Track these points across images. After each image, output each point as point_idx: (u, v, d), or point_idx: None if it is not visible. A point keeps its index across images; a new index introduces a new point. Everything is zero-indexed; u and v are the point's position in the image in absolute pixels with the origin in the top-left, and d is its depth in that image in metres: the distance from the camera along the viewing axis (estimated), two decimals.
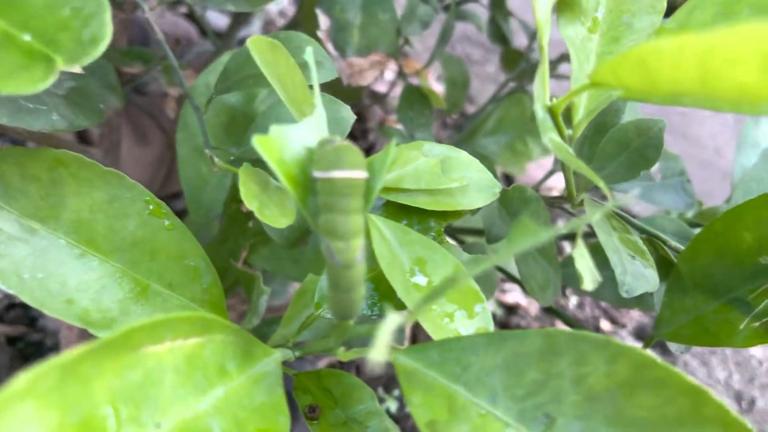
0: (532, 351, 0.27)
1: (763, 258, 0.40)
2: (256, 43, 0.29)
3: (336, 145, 0.25)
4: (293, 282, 0.80)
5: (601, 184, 0.26)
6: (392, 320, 0.19)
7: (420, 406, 0.26)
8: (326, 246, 0.26)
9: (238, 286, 0.61)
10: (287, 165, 0.25)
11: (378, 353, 0.17)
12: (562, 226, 0.21)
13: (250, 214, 0.53)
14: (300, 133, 0.25)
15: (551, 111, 0.31)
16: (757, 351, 1.08)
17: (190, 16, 1.09)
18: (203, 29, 1.00)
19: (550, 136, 0.28)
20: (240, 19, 0.93)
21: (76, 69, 0.26)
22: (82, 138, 0.71)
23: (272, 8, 1.34)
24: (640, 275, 0.34)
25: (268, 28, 1.30)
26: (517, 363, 0.27)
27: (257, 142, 0.24)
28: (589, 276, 0.25)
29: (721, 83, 0.17)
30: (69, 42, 0.24)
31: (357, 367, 0.76)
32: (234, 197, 0.52)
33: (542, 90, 0.29)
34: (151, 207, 0.35)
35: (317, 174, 0.25)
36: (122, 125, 0.74)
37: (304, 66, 0.37)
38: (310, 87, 0.34)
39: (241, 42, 0.96)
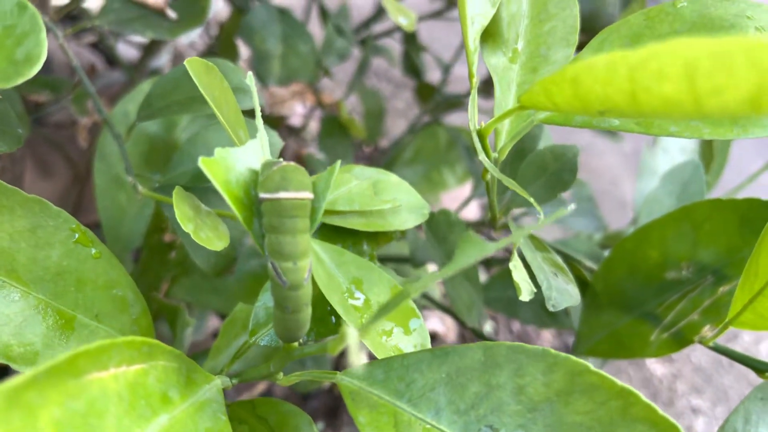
0: (474, 365, 0.27)
1: (668, 273, 0.44)
2: (193, 64, 0.29)
3: (282, 166, 0.25)
4: (211, 318, 0.78)
5: (531, 200, 0.28)
6: (352, 332, 0.19)
7: (367, 425, 0.27)
8: (273, 267, 0.26)
9: (157, 320, 0.59)
10: (233, 186, 0.25)
11: (356, 357, 0.17)
12: (503, 239, 0.23)
13: (172, 245, 0.52)
14: (244, 155, 0.25)
15: (479, 134, 0.32)
16: (657, 369, 1.14)
17: (95, 47, 1.06)
18: (112, 59, 0.98)
19: (482, 156, 0.29)
20: (150, 51, 0.92)
21: None
22: None
23: (182, 41, 1.32)
24: (564, 290, 0.36)
25: (177, 60, 1.28)
26: (460, 377, 0.27)
27: (203, 163, 0.23)
28: (525, 287, 0.26)
29: (650, 97, 0.19)
30: (1, 61, 0.23)
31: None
32: (156, 227, 0.51)
33: (473, 114, 0.31)
34: (76, 235, 0.33)
35: (264, 195, 0.25)
36: (26, 157, 0.71)
37: (233, 90, 0.37)
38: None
39: (152, 73, 0.94)
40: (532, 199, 0.28)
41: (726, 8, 0.35)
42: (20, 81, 0.24)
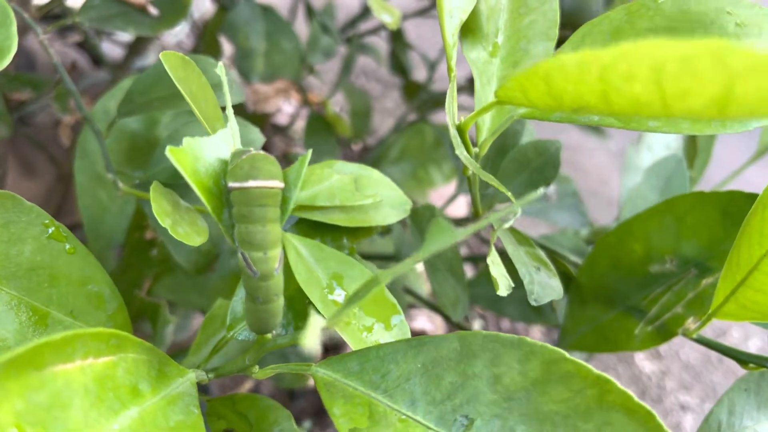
0: (449, 355, 0.27)
1: (652, 267, 0.43)
2: (168, 57, 0.28)
3: (251, 155, 0.25)
4: (196, 317, 0.77)
5: (509, 195, 0.28)
6: (317, 320, 0.19)
7: (341, 416, 0.26)
8: (243, 257, 0.25)
9: (139, 319, 0.59)
10: (201, 176, 0.24)
11: (313, 342, 0.17)
12: (474, 224, 0.22)
13: (153, 243, 0.51)
14: (213, 145, 0.25)
15: (459, 129, 0.32)
16: (646, 367, 1.14)
17: (81, 46, 1.06)
18: (97, 58, 0.97)
19: (460, 151, 0.29)
20: (136, 50, 0.91)
21: None
22: None
23: (169, 40, 1.32)
24: (546, 285, 0.36)
25: None
26: (435, 367, 0.27)
27: (170, 152, 0.23)
28: (503, 282, 0.26)
29: (621, 98, 0.18)
30: None
31: None
32: (137, 225, 0.50)
33: (452, 109, 0.30)
34: (50, 230, 0.33)
35: (232, 184, 0.25)
36: (8, 157, 0.70)
37: (213, 86, 0.37)
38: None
39: (138, 72, 0.94)
40: (509, 193, 0.28)
41: (706, 3, 0.35)
42: None
